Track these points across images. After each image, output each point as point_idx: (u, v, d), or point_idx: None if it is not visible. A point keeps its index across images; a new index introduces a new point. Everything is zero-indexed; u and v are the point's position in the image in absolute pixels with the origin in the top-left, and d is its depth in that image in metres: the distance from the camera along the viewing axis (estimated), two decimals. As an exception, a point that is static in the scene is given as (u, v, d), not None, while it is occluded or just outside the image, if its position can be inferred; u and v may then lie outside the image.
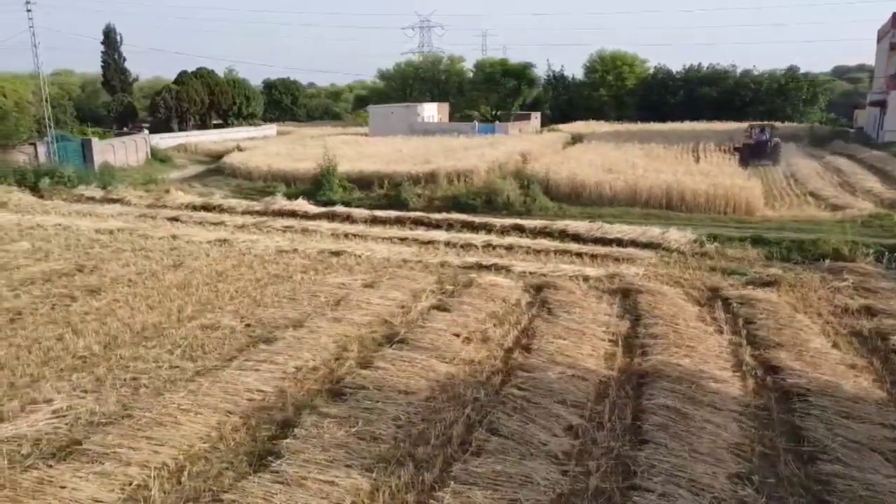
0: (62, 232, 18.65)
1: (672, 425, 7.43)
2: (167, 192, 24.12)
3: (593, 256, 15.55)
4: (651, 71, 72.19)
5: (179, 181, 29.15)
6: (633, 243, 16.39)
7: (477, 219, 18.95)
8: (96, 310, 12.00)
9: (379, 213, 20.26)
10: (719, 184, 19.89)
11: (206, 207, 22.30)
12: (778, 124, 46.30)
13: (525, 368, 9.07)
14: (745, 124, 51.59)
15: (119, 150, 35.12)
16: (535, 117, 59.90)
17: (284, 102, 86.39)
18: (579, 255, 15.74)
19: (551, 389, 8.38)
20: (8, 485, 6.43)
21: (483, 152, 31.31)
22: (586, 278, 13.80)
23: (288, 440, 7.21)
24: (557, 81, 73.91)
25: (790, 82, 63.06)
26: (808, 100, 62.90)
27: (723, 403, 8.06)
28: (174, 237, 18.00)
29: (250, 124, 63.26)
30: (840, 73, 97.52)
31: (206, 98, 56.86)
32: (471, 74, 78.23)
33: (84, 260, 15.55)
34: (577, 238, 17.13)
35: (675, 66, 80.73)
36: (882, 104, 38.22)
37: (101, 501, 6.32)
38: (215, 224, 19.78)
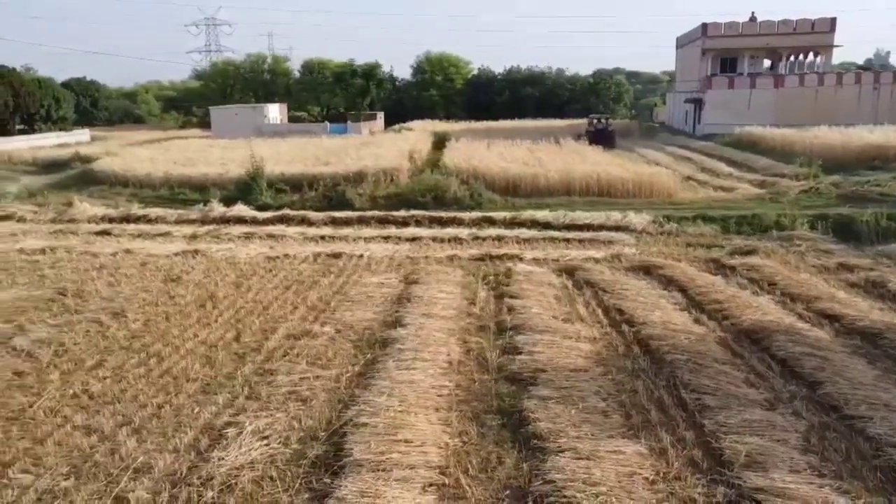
0: (-22, 255, 15.94)
1: (824, 366, 8.82)
2: (69, 204, 21.24)
3: (580, 241, 16.85)
4: (475, 72, 76.20)
5: (44, 192, 25.64)
6: (603, 227, 17.95)
7: (444, 214, 19.40)
8: (141, 332, 10.81)
9: (336, 214, 19.84)
10: (642, 172, 22.33)
11: (128, 219, 20.11)
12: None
13: (655, 338, 9.99)
14: (568, 121, 57.30)
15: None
16: (380, 117, 60.51)
17: (83, 105, 77.77)
18: (566, 240, 16.96)
19: (699, 351, 9.39)
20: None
21: (375, 152, 31.43)
22: (597, 260, 15.04)
23: (541, 423, 7.45)
24: (387, 82, 75.01)
25: (600, 83, 70.36)
26: (614, 98, 70.64)
27: (831, 347, 9.64)
28: (128, 252, 16.24)
29: (60, 129, 56.40)
30: (593, 75, 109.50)
31: (10, 101, 49.66)
32: (297, 74, 76.75)
33: (54, 283, 13.63)
34: (548, 226, 18.31)
35: (492, 67, 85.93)
36: (698, 102, 44.40)
37: (424, 504, 6.20)
38: (161, 235, 18.04)
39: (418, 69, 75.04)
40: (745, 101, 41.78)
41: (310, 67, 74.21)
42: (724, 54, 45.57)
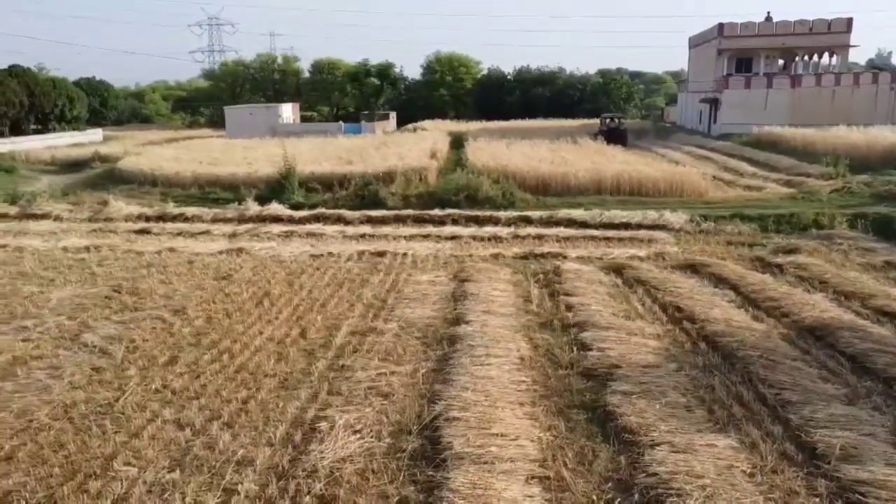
0: (25, 254, 16.04)
1: (894, 363, 8.92)
2: (104, 203, 21.36)
3: (620, 239, 16.95)
4: (485, 72, 76.32)
5: (76, 191, 25.76)
6: (640, 226, 18.05)
7: (480, 213, 19.51)
8: (206, 329, 10.91)
9: (372, 213, 19.96)
10: (674, 171, 22.43)
11: (164, 218, 20.24)
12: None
13: (719, 335, 10.08)
14: (581, 121, 57.62)
15: (-32, 161, 30.00)
16: (392, 117, 60.64)
17: (93, 104, 77.89)
18: (606, 239, 17.07)
19: (768, 348, 9.47)
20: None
21: (398, 151, 31.55)
22: (641, 258, 15.14)
23: (630, 417, 7.54)
24: (402, 82, 75.15)
25: (610, 83, 70.46)
26: (625, 98, 70.74)
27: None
28: (172, 250, 16.35)
29: (74, 129, 56.61)
30: (602, 75, 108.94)
31: (25, 100, 49.85)
32: (307, 74, 76.97)
33: (105, 280, 13.75)
34: (585, 224, 18.41)
35: (499, 67, 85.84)
36: (714, 102, 44.45)
37: (531, 496, 6.29)
38: (202, 234, 18.17)
39: (428, 69, 75.17)
40: (761, 101, 41.84)
41: (320, 67, 74.42)
42: (739, 54, 45.63)
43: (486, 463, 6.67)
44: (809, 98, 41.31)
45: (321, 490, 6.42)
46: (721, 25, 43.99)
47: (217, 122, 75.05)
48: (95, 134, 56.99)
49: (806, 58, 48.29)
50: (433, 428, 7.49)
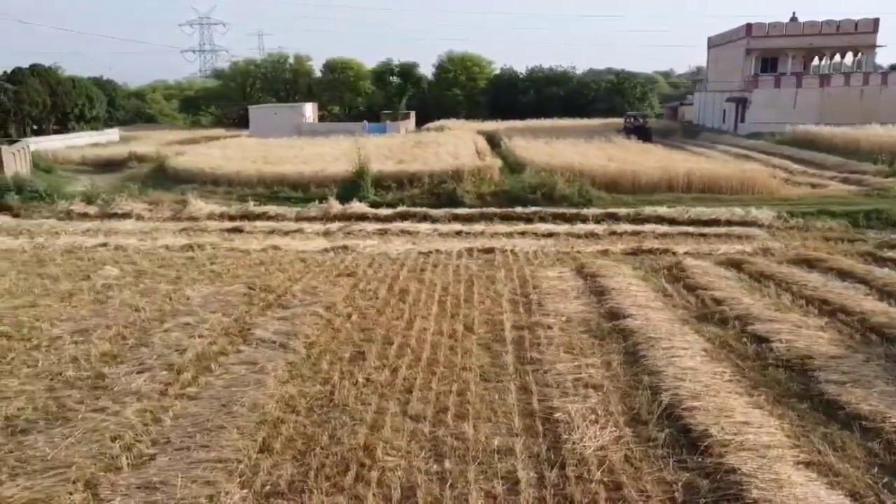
0: (130, 253, 16.04)
1: None
2: (184, 203, 21.34)
3: (717, 236, 17.18)
4: (497, 72, 76.51)
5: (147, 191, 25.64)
6: (729, 222, 18.29)
7: (566, 210, 19.69)
8: (369, 325, 11.01)
9: (456, 211, 20.09)
10: (745, 168, 22.72)
11: (248, 216, 20.26)
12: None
13: (886, 326, 10.27)
14: (601, 119, 58.06)
15: (17, 160, 29.86)
16: (412, 116, 60.73)
17: (101, 104, 77.34)
18: (702, 235, 17.29)
19: (941, 338, 9.73)
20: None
21: (447, 150, 31.78)
22: (750, 254, 15.36)
23: (861, 405, 7.72)
24: (424, 81, 75.25)
25: (624, 82, 70.89)
26: (640, 98, 71.15)
27: None
28: (276, 248, 16.40)
29: (92, 128, 56.24)
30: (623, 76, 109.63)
31: (47, 100, 49.47)
32: (319, 74, 76.87)
33: (230, 278, 13.80)
34: (673, 221, 18.63)
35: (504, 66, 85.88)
36: (742, 101, 44.86)
37: (812, 479, 6.44)
38: (294, 232, 18.24)
39: (440, 68, 75.21)
40: (790, 101, 42.33)
41: (332, 67, 74.33)
42: (765, 54, 46.12)
43: (750, 449, 6.81)
44: (838, 97, 41.83)
45: (601, 477, 6.55)
46: (749, 25, 44.48)
47: (225, 122, 74.88)
48: (113, 134, 56.52)
49: (827, 58, 48.86)
50: (671, 417, 7.63)
